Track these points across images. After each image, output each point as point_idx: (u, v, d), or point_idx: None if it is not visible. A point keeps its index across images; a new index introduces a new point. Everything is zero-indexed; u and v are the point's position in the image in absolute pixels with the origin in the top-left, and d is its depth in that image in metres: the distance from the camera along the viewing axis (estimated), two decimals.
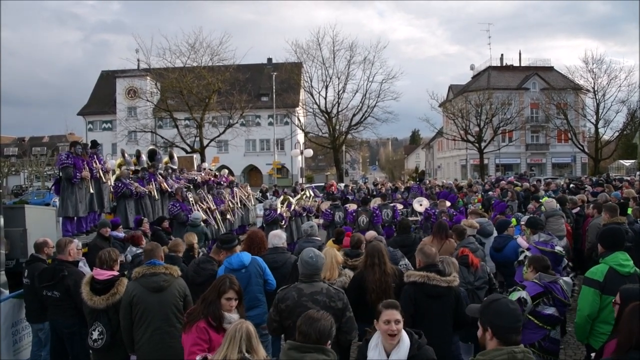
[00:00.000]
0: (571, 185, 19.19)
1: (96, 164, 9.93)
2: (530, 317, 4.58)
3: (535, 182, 19.23)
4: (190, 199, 12.86)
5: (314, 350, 2.95)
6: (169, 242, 9.45)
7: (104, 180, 10.50)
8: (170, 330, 4.72)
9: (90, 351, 5.23)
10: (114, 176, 10.99)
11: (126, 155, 12.65)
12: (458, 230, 7.08)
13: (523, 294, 4.58)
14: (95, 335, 4.98)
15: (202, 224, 11.15)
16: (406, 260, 6.29)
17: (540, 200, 11.76)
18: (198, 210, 12.41)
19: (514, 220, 9.62)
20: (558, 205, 9.82)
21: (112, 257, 5.26)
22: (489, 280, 5.72)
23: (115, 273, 5.21)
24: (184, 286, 4.97)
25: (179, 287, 4.87)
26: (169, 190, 12.31)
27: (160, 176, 12.43)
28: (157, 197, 11.80)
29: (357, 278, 5.20)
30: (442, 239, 6.77)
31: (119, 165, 11.58)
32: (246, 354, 3.08)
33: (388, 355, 3.43)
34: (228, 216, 14.78)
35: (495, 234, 8.18)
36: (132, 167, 12.32)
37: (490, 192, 17.00)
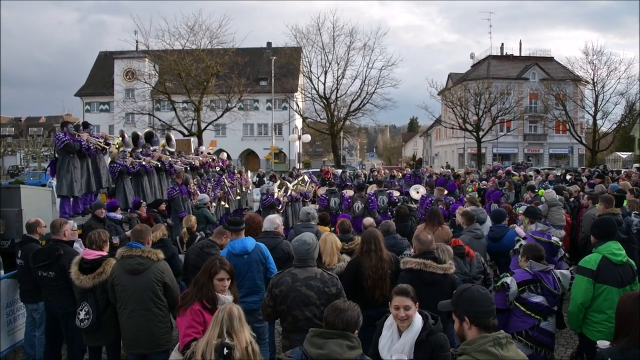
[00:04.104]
0: (567, 177, 19.19)
1: (89, 139, 9.67)
2: (516, 303, 4.61)
3: (532, 173, 19.24)
4: (194, 182, 12.88)
5: (337, 336, 2.90)
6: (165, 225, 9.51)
7: (108, 149, 10.39)
8: (145, 314, 4.72)
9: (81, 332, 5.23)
10: (109, 158, 10.85)
11: (126, 136, 12.46)
12: (468, 215, 7.13)
13: (508, 279, 4.61)
14: (82, 315, 5.01)
15: (204, 207, 11.15)
16: (412, 250, 6.27)
17: (536, 191, 11.81)
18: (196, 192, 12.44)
19: None
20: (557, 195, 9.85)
21: (102, 238, 5.29)
22: (484, 271, 5.73)
23: (104, 253, 5.22)
24: (164, 270, 4.88)
25: (156, 271, 4.79)
26: (166, 167, 12.23)
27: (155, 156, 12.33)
28: (155, 168, 11.74)
29: (354, 264, 5.18)
30: (435, 225, 6.76)
31: (117, 147, 11.40)
32: (226, 338, 3.03)
33: (400, 334, 3.46)
34: (222, 203, 14.81)
35: (488, 221, 8.18)
36: (129, 149, 12.17)
37: (484, 182, 17.01)
